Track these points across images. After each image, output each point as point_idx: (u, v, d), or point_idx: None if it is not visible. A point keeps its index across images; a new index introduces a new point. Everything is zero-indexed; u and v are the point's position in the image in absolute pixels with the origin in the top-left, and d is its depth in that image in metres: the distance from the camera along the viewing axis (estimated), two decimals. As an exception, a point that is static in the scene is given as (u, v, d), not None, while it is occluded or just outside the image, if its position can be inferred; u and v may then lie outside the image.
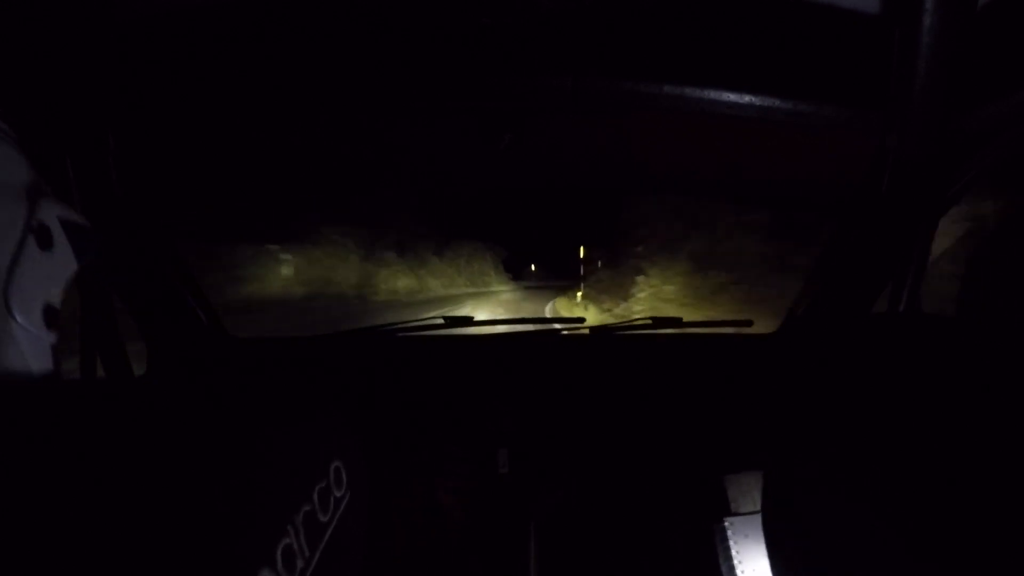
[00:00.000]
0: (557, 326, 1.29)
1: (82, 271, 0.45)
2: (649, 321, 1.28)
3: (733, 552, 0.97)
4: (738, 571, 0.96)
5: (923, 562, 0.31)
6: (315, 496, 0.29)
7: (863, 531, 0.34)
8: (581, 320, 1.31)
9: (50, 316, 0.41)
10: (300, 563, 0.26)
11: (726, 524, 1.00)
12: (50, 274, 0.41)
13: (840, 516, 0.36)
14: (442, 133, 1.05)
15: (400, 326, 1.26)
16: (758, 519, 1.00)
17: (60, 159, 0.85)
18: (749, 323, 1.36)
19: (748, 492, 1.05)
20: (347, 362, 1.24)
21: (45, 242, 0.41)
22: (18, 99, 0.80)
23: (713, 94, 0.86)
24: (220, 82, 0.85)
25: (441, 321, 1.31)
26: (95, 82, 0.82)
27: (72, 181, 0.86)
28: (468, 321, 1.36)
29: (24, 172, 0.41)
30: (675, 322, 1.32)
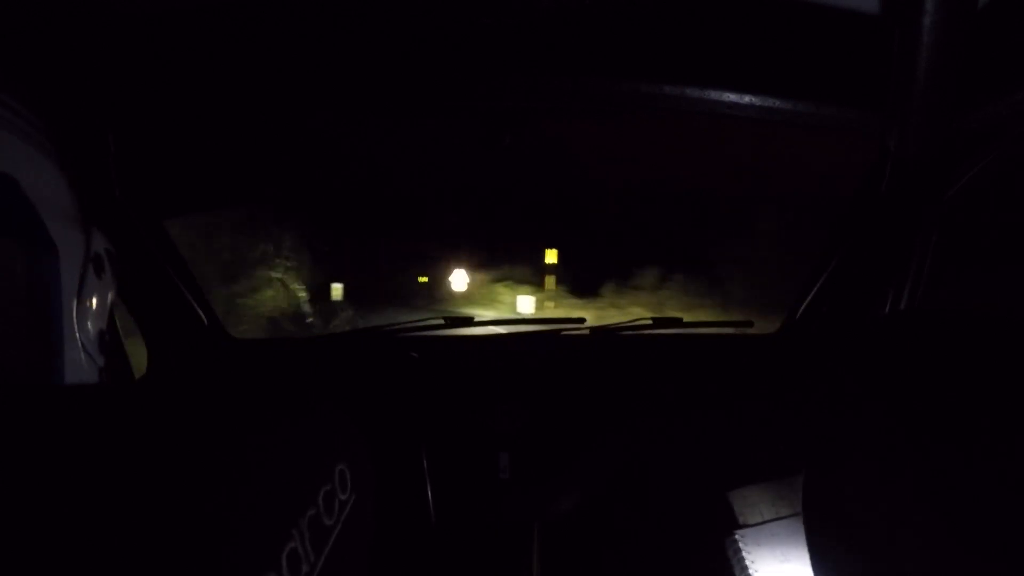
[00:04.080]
0: (557, 326, 1.28)
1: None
2: (649, 321, 1.28)
3: (748, 562, 0.96)
4: None
5: (960, 552, 0.31)
6: (320, 499, 0.29)
7: (903, 527, 0.34)
8: (581, 320, 1.31)
9: (103, 340, 0.42)
10: (305, 567, 0.26)
11: (737, 536, 0.99)
12: (104, 300, 0.42)
13: (880, 513, 0.37)
14: (443, 133, 1.05)
15: (400, 326, 1.26)
16: (768, 528, 0.99)
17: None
18: (749, 323, 1.36)
19: (754, 504, 1.04)
20: (348, 363, 1.24)
21: (100, 269, 0.42)
22: (16, 99, 0.80)
23: (713, 94, 0.86)
24: (220, 82, 0.85)
25: (441, 321, 1.31)
26: (95, 82, 0.82)
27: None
28: (468, 321, 1.36)
29: (77, 205, 0.42)
30: (675, 322, 1.32)
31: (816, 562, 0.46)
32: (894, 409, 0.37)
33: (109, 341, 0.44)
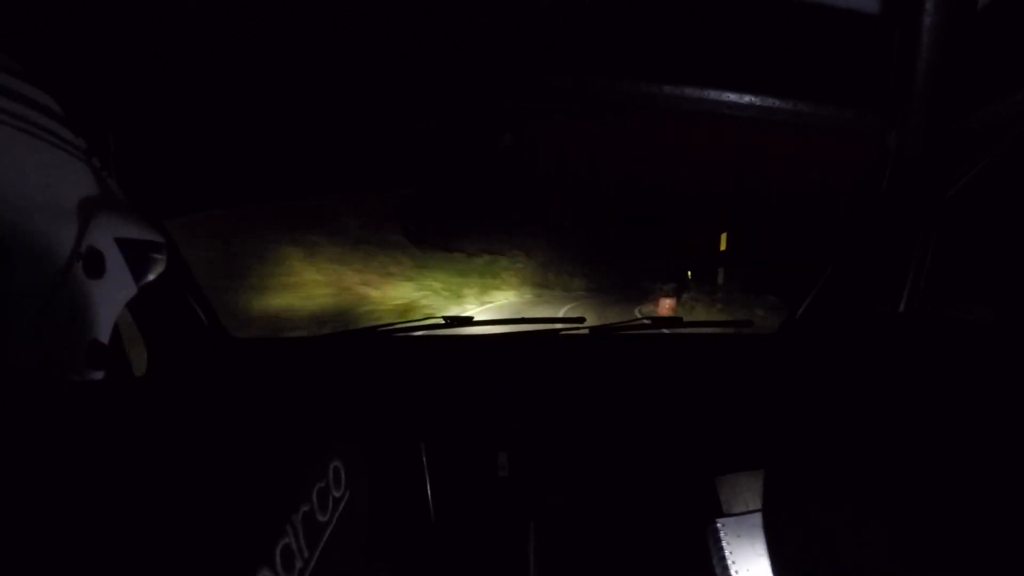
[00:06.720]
0: (557, 326, 1.29)
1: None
2: (649, 321, 1.28)
3: (727, 552, 0.97)
4: (732, 571, 0.96)
5: (924, 557, 0.31)
6: (314, 496, 0.29)
7: (865, 528, 0.34)
8: (581, 320, 1.31)
9: (96, 355, 0.35)
10: (299, 563, 0.26)
11: (719, 525, 0.99)
12: (99, 306, 0.35)
13: (841, 514, 0.36)
14: (443, 132, 1.05)
15: (400, 326, 1.26)
16: (750, 519, 1.00)
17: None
18: (749, 323, 1.36)
19: (740, 493, 1.05)
20: (347, 362, 1.24)
21: (95, 270, 0.35)
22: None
23: (713, 94, 0.86)
24: (221, 82, 0.85)
25: (441, 321, 1.31)
26: (95, 82, 0.82)
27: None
28: (468, 321, 1.36)
29: (84, 186, 0.36)
30: (675, 322, 1.32)
31: (773, 560, 0.46)
32: (876, 411, 0.37)
33: (109, 352, 0.37)
